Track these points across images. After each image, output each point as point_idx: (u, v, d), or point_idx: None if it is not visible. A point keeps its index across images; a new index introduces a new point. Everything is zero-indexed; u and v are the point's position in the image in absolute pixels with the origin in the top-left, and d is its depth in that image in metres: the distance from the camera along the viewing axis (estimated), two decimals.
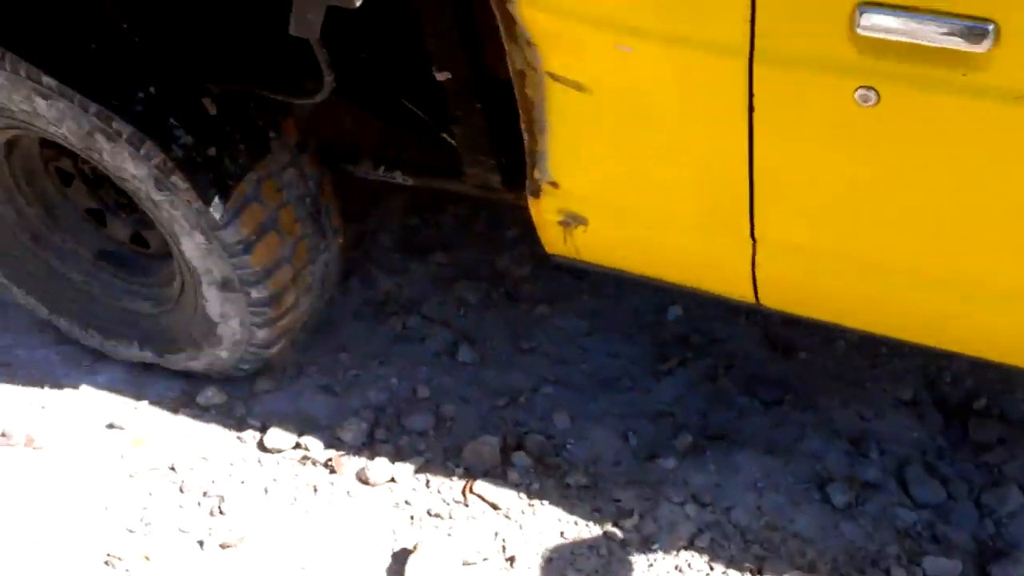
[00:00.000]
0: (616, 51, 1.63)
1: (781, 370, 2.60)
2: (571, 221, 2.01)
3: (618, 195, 1.95)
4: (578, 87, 1.72)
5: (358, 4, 1.62)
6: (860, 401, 2.49)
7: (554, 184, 1.96)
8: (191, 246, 2.18)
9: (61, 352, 2.67)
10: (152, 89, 2.03)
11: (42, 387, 2.60)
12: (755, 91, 1.58)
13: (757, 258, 1.89)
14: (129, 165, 2.07)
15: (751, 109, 1.61)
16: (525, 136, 1.89)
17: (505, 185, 2.13)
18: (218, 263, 2.19)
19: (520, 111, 1.85)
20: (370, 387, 2.58)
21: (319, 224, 2.32)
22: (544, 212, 2.05)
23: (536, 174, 1.96)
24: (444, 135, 2.12)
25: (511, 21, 1.68)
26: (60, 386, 2.61)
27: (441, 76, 1.90)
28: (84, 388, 2.60)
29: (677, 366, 2.62)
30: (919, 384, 2.52)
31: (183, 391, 2.59)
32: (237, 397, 2.57)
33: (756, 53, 1.54)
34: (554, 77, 1.73)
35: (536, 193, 2.01)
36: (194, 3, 2.06)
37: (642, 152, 1.82)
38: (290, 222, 2.24)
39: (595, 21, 1.62)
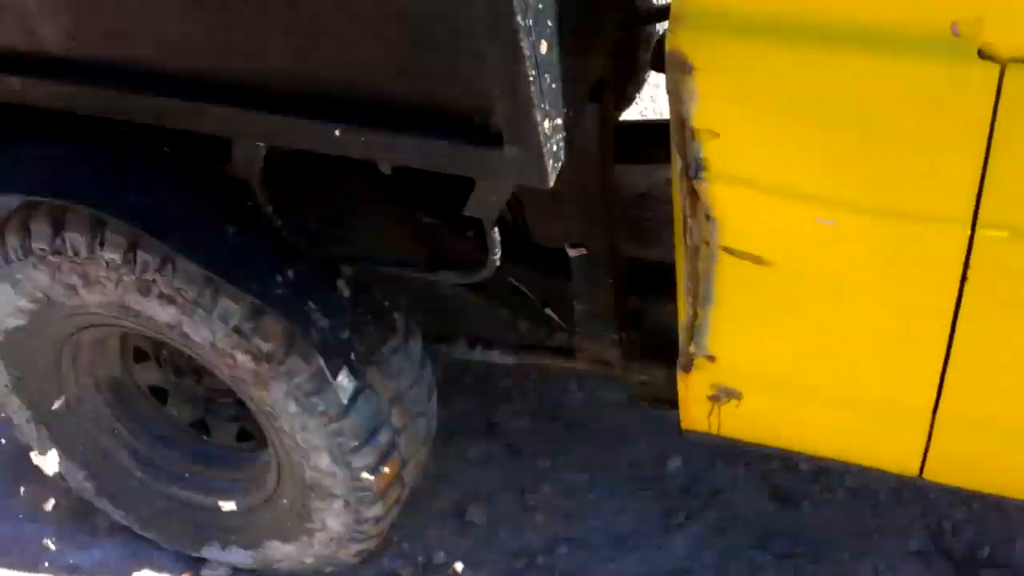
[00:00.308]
0: (814, 224, 1.63)
1: (787, 521, 2.64)
2: (723, 395, 1.98)
3: (785, 370, 1.91)
4: (757, 260, 1.71)
5: (551, 184, 1.58)
6: (870, 552, 2.55)
7: (711, 358, 1.93)
8: (312, 464, 2.12)
9: (52, 526, 2.53)
10: (291, 273, 1.96)
11: (36, 569, 2.46)
12: (972, 260, 1.58)
13: (935, 434, 1.87)
14: (273, 391, 2.01)
15: (963, 280, 1.60)
16: (687, 310, 1.86)
17: (624, 360, 2.12)
18: (339, 482, 2.13)
19: (686, 286, 1.83)
20: (382, 553, 2.52)
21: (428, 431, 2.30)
22: (693, 387, 2.02)
23: (692, 348, 1.93)
24: (548, 311, 2.12)
25: (695, 197, 1.67)
26: (55, 566, 2.47)
27: (575, 252, 1.90)
28: (79, 567, 2.47)
29: (685, 520, 2.64)
30: (923, 533, 2.59)
31: (187, 566, 2.48)
32: (244, 570, 2.47)
33: (979, 221, 1.54)
34: (729, 251, 1.72)
35: (688, 367, 1.97)
36: (345, 181, 2.01)
37: (822, 325, 1.80)
38: (415, 446, 2.23)
39: (798, 196, 1.62)
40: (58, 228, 1.99)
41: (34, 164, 1.99)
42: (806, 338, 1.85)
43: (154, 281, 1.96)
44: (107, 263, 1.97)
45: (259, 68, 1.58)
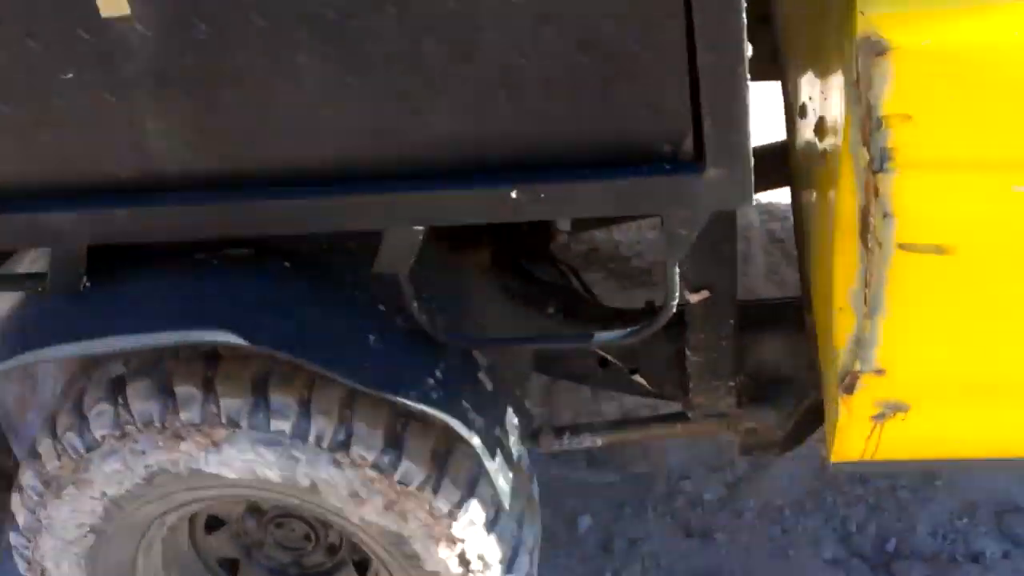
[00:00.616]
0: (1011, 194, 1.56)
1: (707, 556, 2.71)
2: (888, 411, 1.83)
3: (966, 371, 1.79)
4: (939, 251, 1.62)
5: (752, 203, 1.48)
6: (790, 570, 2.65)
7: (879, 372, 1.77)
8: None
9: None
10: (438, 372, 1.77)
11: None
12: None
13: None
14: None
15: None
16: (856, 323, 1.72)
17: (737, 408, 2.04)
18: None
19: (855, 298, 1.71)
20: None
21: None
22: (856, 409, 1.83)
23: (857, 365, 1.77)
24: (637, 377, 2.06)
25: (875, 194, 1.57)
26: None
27: (697, 297, 1.79)
28: None
29: None
30: (832, 539, 2.72)
31: None
32: None
33: None
34: (906, 247, 1.61)
35: (851, 388, 1.80)
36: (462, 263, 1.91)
37: (1017, 309, 1.70)
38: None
39: (995, 166, 1.55)
40: (394, 444, 1.78)
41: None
42: (997, 327, 1.73)
43: (451, 528, 1.84)
44: (430, 508, 1.81)
45: (422, 142, 1.44)
